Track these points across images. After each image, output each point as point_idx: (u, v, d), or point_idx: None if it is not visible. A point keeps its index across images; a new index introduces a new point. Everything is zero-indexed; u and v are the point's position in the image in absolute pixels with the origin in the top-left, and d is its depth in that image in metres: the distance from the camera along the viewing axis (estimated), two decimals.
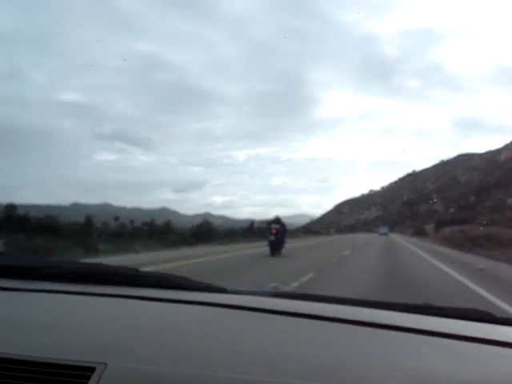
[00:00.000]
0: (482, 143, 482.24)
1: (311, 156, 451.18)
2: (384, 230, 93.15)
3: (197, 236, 36.23)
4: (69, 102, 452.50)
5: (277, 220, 20.51)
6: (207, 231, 42.85)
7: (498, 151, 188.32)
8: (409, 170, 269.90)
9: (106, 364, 0.78)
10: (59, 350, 0.85)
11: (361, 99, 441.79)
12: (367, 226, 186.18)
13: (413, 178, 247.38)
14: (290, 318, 1.05)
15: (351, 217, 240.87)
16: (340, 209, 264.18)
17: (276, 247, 19.29)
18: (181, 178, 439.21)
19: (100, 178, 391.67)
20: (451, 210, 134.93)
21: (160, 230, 37.12)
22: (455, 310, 1.22)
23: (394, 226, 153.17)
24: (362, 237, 63.52)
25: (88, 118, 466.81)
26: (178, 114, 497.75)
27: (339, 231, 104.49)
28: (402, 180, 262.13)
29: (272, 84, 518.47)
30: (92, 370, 0.77)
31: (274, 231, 19.34)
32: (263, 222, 32.88)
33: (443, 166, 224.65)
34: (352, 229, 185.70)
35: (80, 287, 1.26)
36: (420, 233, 67.85)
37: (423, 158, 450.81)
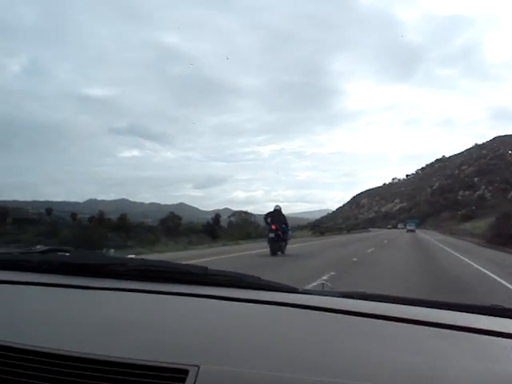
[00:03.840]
0: None
1: (336, 150, 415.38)
2: (412, 226, 75.84)
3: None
4: (87, 96, 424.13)
5: (276, 213, 15.58)
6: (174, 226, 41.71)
7: None
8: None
9: (198, 366, 0.75)
10: (149, 352, 0.81)
11: (384, 89, 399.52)
12: (388, 221, 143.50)
13: (443, 164, 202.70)
14: (361, 319, 0.99)
15: (371, 209, 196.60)
16: (358, 201, 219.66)
17: (276, 245, 14.76)
18: (203, 174, 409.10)
19: (119, 174, 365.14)
20: None
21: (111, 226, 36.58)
22: None
23: (424, 220, 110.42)
24: (363, 245, 25.02)
25: (106, 113, 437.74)
26: (197, 108, 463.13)
27: (330, 230, 60.73)
28: (430, 166, 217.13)
29: (292, 75, 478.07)
30: (185, 372, 0.75)
31: (273, 227, 14.77)
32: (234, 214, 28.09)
33: (478, 150, 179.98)
34: (370, 223, 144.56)
35: (150, 285, 1.19)
36: None
37: (451, 151, 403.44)
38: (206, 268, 1.26)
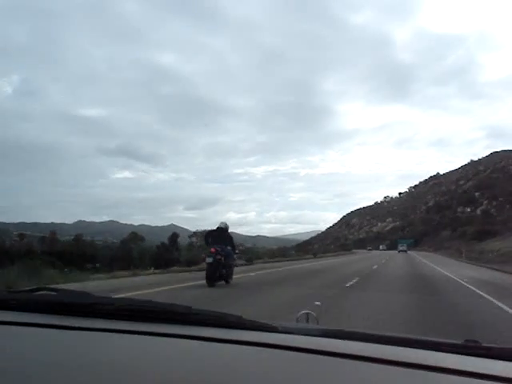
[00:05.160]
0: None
1: (329, 171, 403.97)
2: (403, 246, 73.51)
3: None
4: (77, 117, 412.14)
5: (219, 232, 12.49)
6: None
7: None
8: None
9: None
10: None
11: (376, 109, 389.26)
12: (380, 241, 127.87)
13: (438, 181, 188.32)
14: (340, 360, 0.98)
15: (361, 229, 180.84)
16: (348, 221, 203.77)
17: (215, 273, 11.48)
18: (195, 195, 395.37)
19: (109, 196, 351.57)
20: None
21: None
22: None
23: (420, 240, 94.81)
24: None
25: (97, 134, 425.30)
26: (189, 128, 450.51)
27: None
28: (424, 184, 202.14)
29: (284, 94, 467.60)
30: None
31: (213, 250, 11.64)
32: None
33: (474, 166, 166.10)
34: (361, 243, 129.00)
35: (137, 325, 1.18)
36: None
37: (446, 171, 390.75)
38: (190, 307, 1.27)
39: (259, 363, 0.99)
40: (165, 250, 40.04)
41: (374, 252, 71.09)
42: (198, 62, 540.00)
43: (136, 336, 1.12)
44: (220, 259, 11.60)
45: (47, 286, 1.47)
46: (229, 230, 12.86)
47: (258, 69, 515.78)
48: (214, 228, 12.76)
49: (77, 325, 1.16)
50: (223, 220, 13.72)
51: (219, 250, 11.68)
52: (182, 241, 50.16)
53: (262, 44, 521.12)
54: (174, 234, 51.90)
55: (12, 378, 0.85)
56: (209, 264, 11.48)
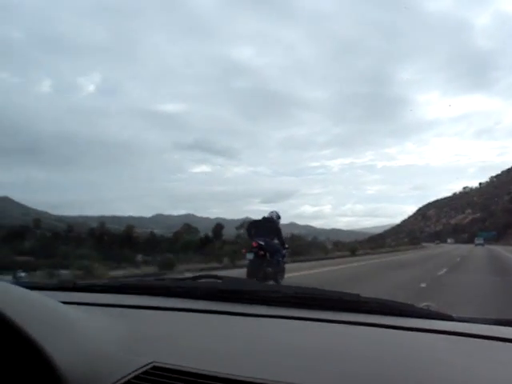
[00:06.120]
0: None
1: (407, 163, 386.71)
2: (480, 240, 70.54)
3: None
4: (154, 113, 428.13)
5: (264, 222, 10.24)
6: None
7: None
8: None
9: None
10: (335, 380, 0.78)
11: (454, 98, 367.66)
12: (458, 234, 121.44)
13: None
14: None
15: (438, 221, 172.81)
16: (424, 213, 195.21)
17: (258, 272, 9.19)
18: (270, 188, 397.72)
19: (187, 190, 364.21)
20: None
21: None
22: None
23: (504, 232, 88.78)
24: None
25: (173, 129, 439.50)
26: (263, 122, 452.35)
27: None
28: (506, 173, 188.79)
29: (359, 85, 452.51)
30: None
31: (254, 244, 9.59)
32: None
33: None
34: (437, 237, 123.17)
35: (302, 312, 1.16)
36: None
37: None
38: (358, 295, 1.24)
39: (438, 350, 0.94)
40: (207, 243, 38.95)
41: (446, 247, 61.89)
42: (272, 55, 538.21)
43: (304, 322, 1.10)
44: (263, 255, 9.71)
45: (209, 274, 1.52)
46: (280, 221, 10.82)
47: (332, 60, 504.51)
48: (260, 218, 10.66)
49: (242, 311, 1.16)
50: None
51: (263, 245, 9.77)
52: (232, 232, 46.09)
53: (335, 35, 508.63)
54: (218, 225, 48.78)
55: (198, 360, 0.84)
56: (250, 261, 9.74)
